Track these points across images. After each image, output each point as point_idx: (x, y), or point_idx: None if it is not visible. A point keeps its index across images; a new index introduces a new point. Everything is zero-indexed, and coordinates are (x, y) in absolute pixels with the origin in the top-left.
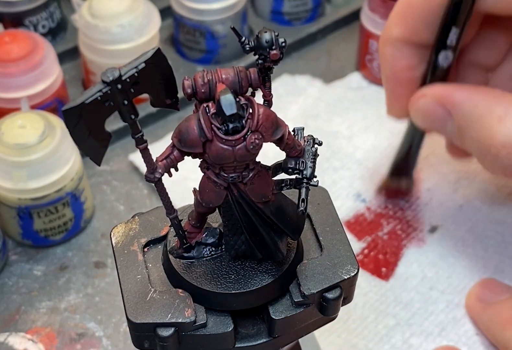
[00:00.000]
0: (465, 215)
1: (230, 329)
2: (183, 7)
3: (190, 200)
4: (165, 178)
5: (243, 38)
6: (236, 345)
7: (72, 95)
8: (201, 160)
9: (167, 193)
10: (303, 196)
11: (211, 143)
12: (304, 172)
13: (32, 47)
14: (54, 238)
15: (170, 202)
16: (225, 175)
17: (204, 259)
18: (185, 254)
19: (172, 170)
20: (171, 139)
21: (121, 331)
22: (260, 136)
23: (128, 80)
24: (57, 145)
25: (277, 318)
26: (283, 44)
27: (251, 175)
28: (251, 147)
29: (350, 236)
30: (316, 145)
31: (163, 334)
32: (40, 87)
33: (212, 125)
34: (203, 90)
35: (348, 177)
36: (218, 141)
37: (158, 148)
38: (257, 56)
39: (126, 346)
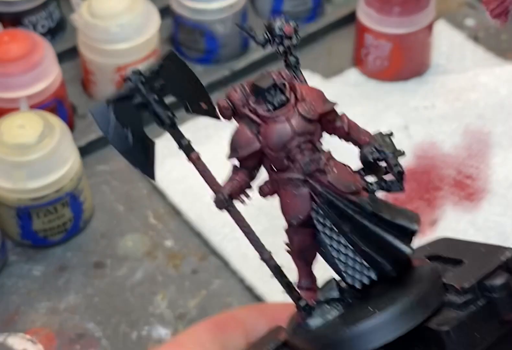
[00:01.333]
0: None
1: None
2: (183, 6)
3: (190, 199)
4: (164, 176)
5: (252, 32)
6: None
7: (72, 95)
8: (268, 171)
9: (247, 224)
10: (393, 162)
11: (265, 130)
12: (386, 150)
13: (31, 46)
14: (53, 238)
15: (257, 238)
16: (297, 165)
17: (332, 317)
18: (311, 322)
19: (244, 198)
20: (229, 160)
21: (120, 332)
22: (310, 105)
23: (149, 74)
24: (56, 145)
25: (445, 329)
26: (295, 24)
27: (323, 158)
28: (305, 112)
29: None
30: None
31: None
32: (39, 87)
33: (258, 111)
34: (241, 104)
35: None
36: (270, 123)
37: (158, 144)
38: (275, 47)
39: (125, 346)
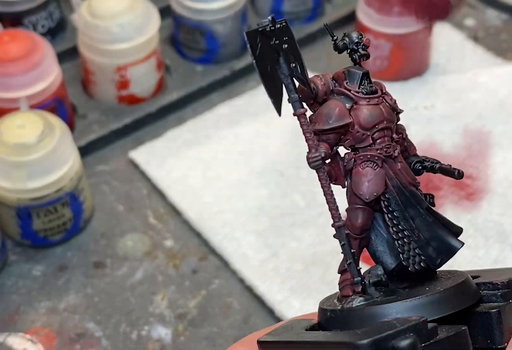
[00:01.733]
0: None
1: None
2: (183, 6)
3: (190, 198)
4: (164, 176)
5: (335, 37)
6: None
7: (72, 95)
8: (349, 148)
9: (331, 190)
10: (447, 167)
11: (357, 109)
12: (434, 161)
13: (31, 46)
14: (53, 238)
15: (337, 206)
16: (379, 146)
17: (378, 299)
18: (358, 300)
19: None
20: (315, 129)
21: (120, 332)
22: (392, 99)
23: (278, 25)
24: (56, 145)
25: (494, 310)
26: (369, 40)
27: (398, 148)
28: (393, 102)
29: None
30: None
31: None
32: (39, 86)
33: (352, 91)
34: (325, 89)
35: None
36: (363, 103)
37: (158, 144)
38: (349, 53)
39: (125, 346)
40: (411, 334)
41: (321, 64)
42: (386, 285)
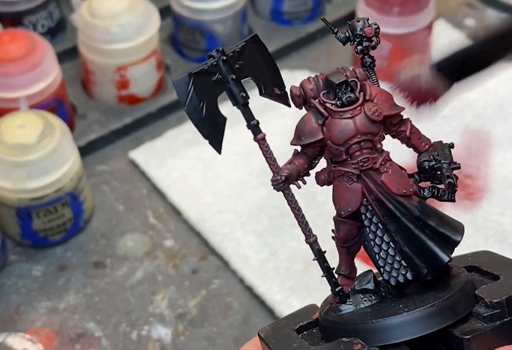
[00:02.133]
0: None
1: None
2: (183, 6)
3: (190, 198)
4: (164, 176)
5: (336, 29)
6: None
7: (72, 95)
8: (328, 161)
9: (299, 207)
10: (447, 173)
11: (329, 123)
12: (443, 160)
13: (31, 46)
14: (53, 238)
15: (306, 221)
16: (354, 160)
17: (363, 306)
18: (342, 307)
19: (300, 183)
20: (291, 143)
21: (120, 331)
22: (377, 106)
23: (231, 54)
24: (56, 145)
25: (467, 336)
26: (376, 26)
27: (381, 158)
28: (371, 113)
29: None
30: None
31: None
32: (39, 86)
33: (326, 104)
34: (312, 94)
35: None
36: (335, 117)
37: (158, 144)
38: (355, 45)
39: (125, 346)
40: None
41: (320, 64)
42: (373, 293)
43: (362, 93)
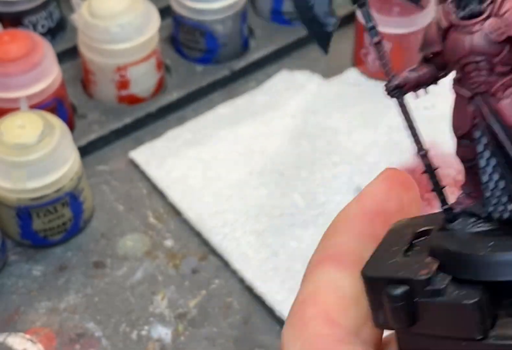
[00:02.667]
0: None
1: (473, 301)
2: (183, 6)
3: (190, 197)
4: (164, 176)
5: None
6: (490, 337)
7: (72, 95)
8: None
9: (413, 119)
10: None
11: (448, 36)
12: None
13: (31, 46)
14: (53, 238)
15: (420, 135)
16: (468, 81)
17: (470, 231)
18: (451, 225)
19: (418, 93)
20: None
21: (120, 331)
22: (504, 23)
23: None
24: (56, 145)
25: None
26: None
27: (500, 82)
28: (491, 31)
29: None
30: None
31: (392, 292)
32: (39, 87)
33: (449, 13)
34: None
35: (348, 172)
36: (453, 31)
37: (158, 144)
38: None
39: (125, 346)
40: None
41: (321, 64)
42: (485, 220)
43: (492, 7)
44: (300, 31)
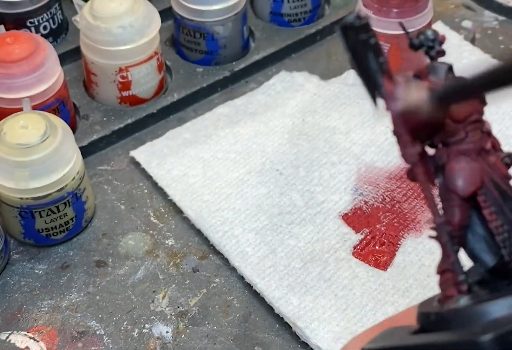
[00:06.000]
0: None
1: None
2: (184, 8)
3: (190, 196)
4: (165, 175)
5: (409, 35)
6: None
7: (74, 96)
8: (440, 145)
9: (429, 185)
10: None
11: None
12: None
13: (34, 48)
14: (55, 237)
15: (434, 199)
16: (472, 139)
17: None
18: (462, 300)
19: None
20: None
21: (121, 329)
22: None
23: (365, 21)
24: (58, 145)
25: None
26: (443, 38)
27: (486, 125)
28: None
29: (347, 229)
30: None
31: None
32: (41, 88)
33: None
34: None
35: (345, 172)
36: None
37: (158, 143)
38: (426, 50)
39: (126, 344)
40: None
41: (320, 66)
42: (489, 282)
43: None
44: (300, 32)
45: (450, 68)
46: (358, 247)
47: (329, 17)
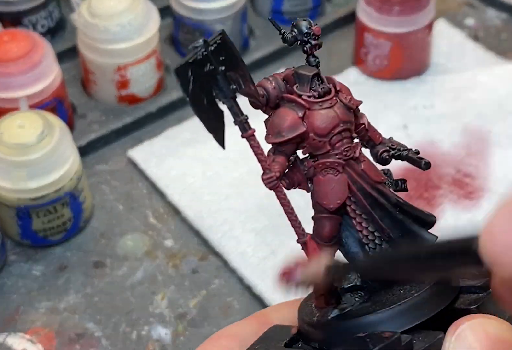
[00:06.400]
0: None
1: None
2: (183, 6)
3: (189, 196)
4: (164, 175)
5: (283, 30)
6: None
7: (71, 95)
8: (308, 157)
9: (291, 206)
10: (416, 156)
11: (310, 116)
12: (402, 148)
13: (31, 46)
14: (53, 238)
15: (299, 221)
16: (338, 151)
17: (358, 304)
18: (334, 311)
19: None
20: (268, 142)
21: (120, 331)
22: (347, 95)
23: (215, 45)
24: (56, 144)
25: (473, 306)
26: (320, 28)
27: (359, 147)
28: (347, 101)
29: None
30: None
31: None
32: (39, 86)
33: (303, 96)
34: (275, 93)
35: None
36: (315, 109)
37: (157, 143)
38: (300, 44)
39: (125, 346)
40: None
41: (321, 63)
42: (361, 289)
43: (331, 84)
44: None
45: (315, 76)
46: None
47: (330, 15)
